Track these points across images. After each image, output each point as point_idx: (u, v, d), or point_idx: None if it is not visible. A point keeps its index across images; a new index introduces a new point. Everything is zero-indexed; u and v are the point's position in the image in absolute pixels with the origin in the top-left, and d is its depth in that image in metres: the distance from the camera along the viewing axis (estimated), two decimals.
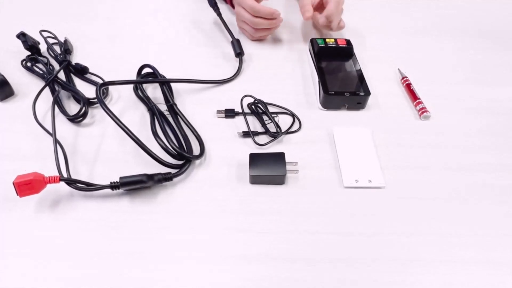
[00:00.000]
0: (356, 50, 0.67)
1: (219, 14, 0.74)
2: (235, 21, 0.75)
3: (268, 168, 0.50)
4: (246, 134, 0.56)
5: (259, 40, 0.73)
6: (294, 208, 0.49)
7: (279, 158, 0.51)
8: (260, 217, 0.48)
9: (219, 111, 0.59)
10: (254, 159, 0.51)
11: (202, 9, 0.78)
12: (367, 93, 0.59)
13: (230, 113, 0.59)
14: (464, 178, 0.52)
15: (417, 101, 0.61)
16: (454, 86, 0.65)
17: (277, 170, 0.50)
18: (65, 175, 0.49)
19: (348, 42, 0.68)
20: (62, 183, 0.47)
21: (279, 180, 0.50)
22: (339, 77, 0.62)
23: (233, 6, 0.77)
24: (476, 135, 0.58)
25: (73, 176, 0.50)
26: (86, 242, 0.45)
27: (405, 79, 0.65)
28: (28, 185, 0.44)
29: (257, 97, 0.59)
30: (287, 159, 0.51)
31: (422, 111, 0.59)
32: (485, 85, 0.66)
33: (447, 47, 0.74)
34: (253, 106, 0.59)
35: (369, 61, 0.69)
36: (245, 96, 0.60)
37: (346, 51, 0.67)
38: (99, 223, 0.46)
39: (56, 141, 0.52)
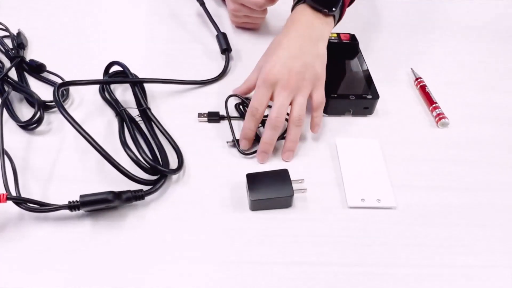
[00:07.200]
0: (362, 47, 0.67)
1: (202, 4, 0.73)
2: (224, 14, 0.75)
3: (271, 189, 0.48)
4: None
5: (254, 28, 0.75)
6: (290, 234, 0.48)
7: (282, 176, 0.49)
8: (250, 245, 0.46)
9: (200, 114, 0.58)
10: (253, 180, 0.49)
11: None
12: (376, 96, 0.59)
13: (214, 117, 0.58)
14: (488, 197, 0.52)
15: (434, 105, 0.61)
16: (475, 90, 0.66)
17: (283, 191, 0.48)
18: (13, 193, 0.48)
19: (353, 37, 0.68)
20: (10, 203, 0.45)
21: (286, 202, 0.49)
22: (343, 78, 0.62)
23: None
24: (502, 147, 0.58)
25: (24, 195, 0.48)
26: (37, 274, 0.43)
27: (419, 80, 0.65)
28: None
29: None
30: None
31: (440, 117, 0.59)
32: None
33: (469, 46, 0.74)
34: (241, 107, 0.58)
35: (377, 60, 0.69)
36: (231, 96, 0.59)
37: (350, 48, 0.67)
38: (53, 252, 0.45)
39: (4, 152, 0.51)
